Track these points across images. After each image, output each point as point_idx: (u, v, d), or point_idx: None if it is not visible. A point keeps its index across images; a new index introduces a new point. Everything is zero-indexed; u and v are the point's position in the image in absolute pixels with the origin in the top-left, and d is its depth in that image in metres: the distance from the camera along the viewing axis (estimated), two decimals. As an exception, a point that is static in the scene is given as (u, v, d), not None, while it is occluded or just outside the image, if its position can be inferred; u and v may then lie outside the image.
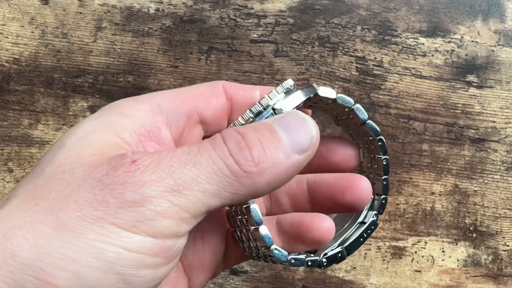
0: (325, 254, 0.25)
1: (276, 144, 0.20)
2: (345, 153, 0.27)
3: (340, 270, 0.43)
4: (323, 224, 0.25)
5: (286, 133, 0.20)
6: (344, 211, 0.27)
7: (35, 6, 0.42)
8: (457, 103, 0.45)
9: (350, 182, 0.26)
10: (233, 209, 0.24)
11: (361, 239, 0.26)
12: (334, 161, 0.27)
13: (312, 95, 0.23)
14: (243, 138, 0.20)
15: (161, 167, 0.19)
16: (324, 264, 0.25)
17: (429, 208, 0.44)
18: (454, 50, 0.45)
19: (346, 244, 0.26)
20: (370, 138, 0.25)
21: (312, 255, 0.25)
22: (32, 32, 0.42)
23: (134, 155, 0.19)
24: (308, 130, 0.21)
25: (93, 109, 0.42)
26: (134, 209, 0.18)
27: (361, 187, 0.25)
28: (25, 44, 0.42)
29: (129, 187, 0.18)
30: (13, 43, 0.42)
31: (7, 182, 0.41)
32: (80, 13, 0.42)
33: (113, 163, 0.19)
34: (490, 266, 0.44)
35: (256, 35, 0.44)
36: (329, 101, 0.24)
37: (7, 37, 0.42)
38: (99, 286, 0.18)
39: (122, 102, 0.23)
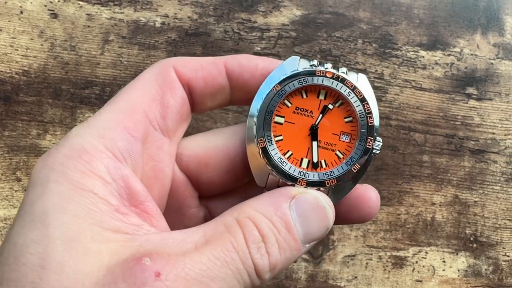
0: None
1: (291, 245, 0.20)
2: (365, 212, 0.24)
3: (342, 280, 0.44)
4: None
5: (302, 226, 0.21)
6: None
7: (45, 20, 0.43)
8: (457, 115, 0.46)
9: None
10: None
11: None
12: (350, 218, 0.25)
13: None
14: (263, 241, 0.20)
15: (190, 283, 0.17)
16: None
17: (429, 218, 0.45)
18: (454, 63, 0.46)
19: None
20: None
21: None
22: (42, 45, 0.43)
23: (153, 264, 0.17)
24: (324, 221, 0.21)
25: (99, 120, 0.43)
26: None
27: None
28: (35, 57, 0.43)
29: None
30: (23, 55, 0.43)
31: (15, 191, 0.42)
32: (88, 26, 0.44)
33: (132, 277, 0.17)
34: (490, 276, 0.45)
35: (259, 48, 0.45)
36: None
37: (17, 50, 0.43)
38: None
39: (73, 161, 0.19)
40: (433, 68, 0.46)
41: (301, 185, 0.23)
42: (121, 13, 0.44)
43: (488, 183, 0.46)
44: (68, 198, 0.18)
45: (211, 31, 0.44)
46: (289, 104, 0.23)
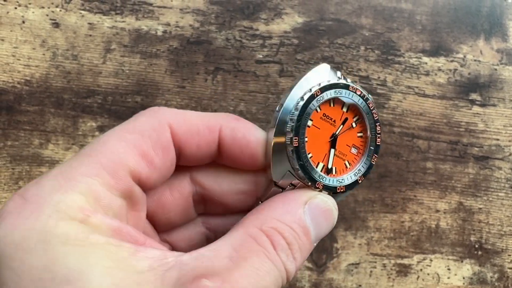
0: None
1: (308, 248, 0.22)
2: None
3: (346, 288, 0.43)
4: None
5: (314, 228, 0.23)
6: None
7: (47, 29, 0.43)
8: (461, 121, 0.46)
9: None
10: None
11: None
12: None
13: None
14: (289, 248, 0.21)
15: None
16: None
17: (434, 225, 0.44)
18: (457, 69, 0.46)
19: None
20: None
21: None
22: (43, 54, 0.43)
23: (213, 284, 0.18)
24: (331, 221, 0.23)
25: (102, 129, 0.43)
26: None
27: None
28: (37, 66, 0.43)
29: None
30: (25, 65, 0.43)
31: (18, 200, 0.42)
32: (90, 35, 0.44)
33: None
34: (496, 284, 0.44)
35: (261, 56, 0.45)
36: None
37: (19, 60, 0.43)
38: None
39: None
40: (436, 74, 0.46)
41: (318, 187, 0.24)
42: (123, 22, 0.44)
43: (492, 189, 0.45)
44: (96, 257, 0.18)
45: (213, 39, 0.44)
46: (318, 110, 0.24)
